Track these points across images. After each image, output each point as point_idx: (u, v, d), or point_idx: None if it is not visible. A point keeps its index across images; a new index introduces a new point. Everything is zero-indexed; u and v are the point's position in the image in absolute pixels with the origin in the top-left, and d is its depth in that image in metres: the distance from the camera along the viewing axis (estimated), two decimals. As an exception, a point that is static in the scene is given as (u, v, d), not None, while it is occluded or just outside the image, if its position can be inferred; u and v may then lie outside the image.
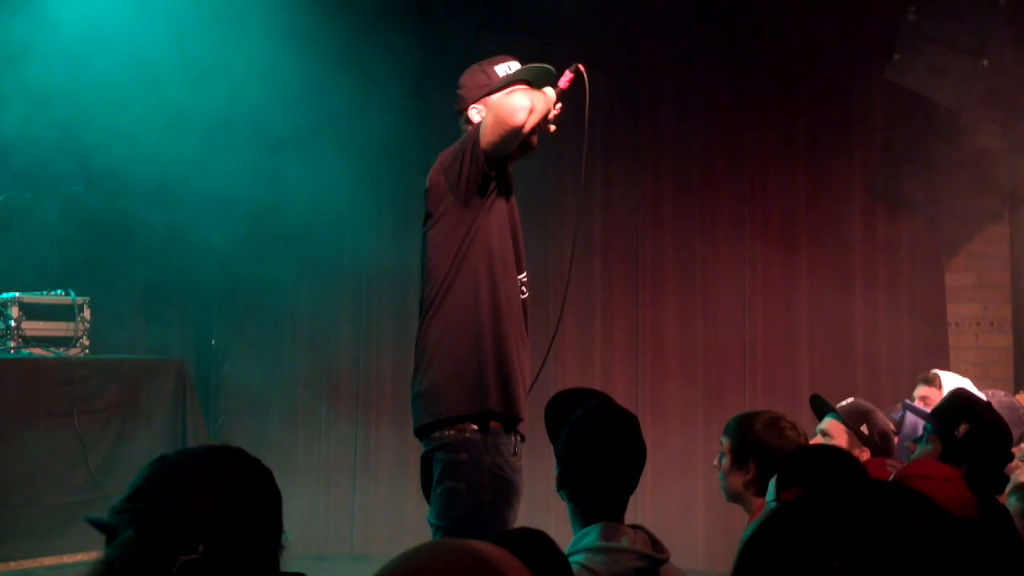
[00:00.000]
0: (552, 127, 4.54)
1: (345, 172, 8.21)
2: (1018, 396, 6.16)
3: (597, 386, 8.02)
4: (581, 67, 4.54)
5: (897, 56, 7.69)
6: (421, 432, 4.43)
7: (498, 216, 4.46)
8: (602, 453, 3.33)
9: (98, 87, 7.63)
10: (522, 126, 4.26)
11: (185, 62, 7.87)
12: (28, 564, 6.68)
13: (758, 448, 4.13)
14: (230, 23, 7.75)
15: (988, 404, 4.83)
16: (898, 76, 7.76)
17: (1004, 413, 5.60)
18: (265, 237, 8.52)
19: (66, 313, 7.30)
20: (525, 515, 4.45)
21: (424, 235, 4.50)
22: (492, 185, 4.39)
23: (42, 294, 7.31)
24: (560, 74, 4.56)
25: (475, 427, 4.33)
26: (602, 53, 8.40)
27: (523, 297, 4.55)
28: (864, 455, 4.78)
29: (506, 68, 4.57)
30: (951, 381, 6.24)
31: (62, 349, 7.20)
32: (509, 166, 4.49)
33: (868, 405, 5.04)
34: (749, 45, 8.41)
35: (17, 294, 7.18)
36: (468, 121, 4.53)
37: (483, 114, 4.45)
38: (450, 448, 4.34)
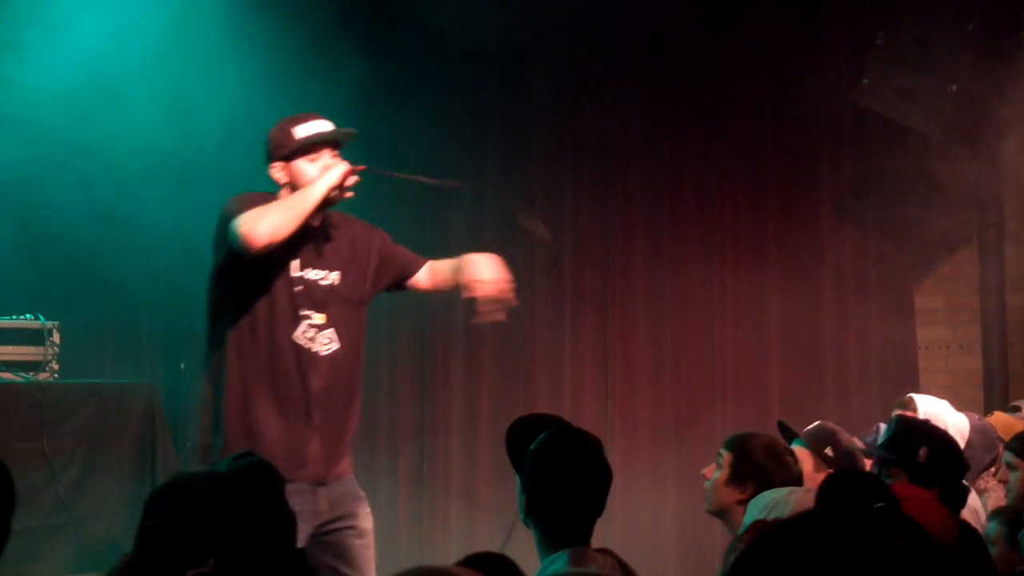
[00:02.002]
0: (349, 194, 4.57)
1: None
2: (987, 419, 6.17)
3: (567, 403, 8.09)
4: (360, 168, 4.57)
5: (866, 80, 7.74)
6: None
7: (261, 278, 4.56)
8: (568, 478, 3.32)
9: (69, 108, 7.59)
10: (259, 246, 4.34)
11: (161, 92, 7.85)
12: (-4, 589, 6.62)
13: (760, 471, 4.17)
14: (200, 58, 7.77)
15: (929, 421, 4.86)
16: (867, 100, 7.81)
17: (976, 437, 5.64)
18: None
19: (35, 337, 7.26)
20: (488, 545, 4.43)
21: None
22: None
23: (11, 318, 7.27)
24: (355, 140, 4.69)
25: None
26: (572, 77, 8.43)
27: (312, 348, 4.65)
28: (829, 477, 4.78)
29: (306, 130, 4.55)
30: (926, 404, 6.24)
31: (31, 374, 7.15)
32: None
33: (832, 427, 5.04)
34: (719, 70, 8.44)
35: (-16, 319, 7.13)
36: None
37: (280, 175, 4.55)
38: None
